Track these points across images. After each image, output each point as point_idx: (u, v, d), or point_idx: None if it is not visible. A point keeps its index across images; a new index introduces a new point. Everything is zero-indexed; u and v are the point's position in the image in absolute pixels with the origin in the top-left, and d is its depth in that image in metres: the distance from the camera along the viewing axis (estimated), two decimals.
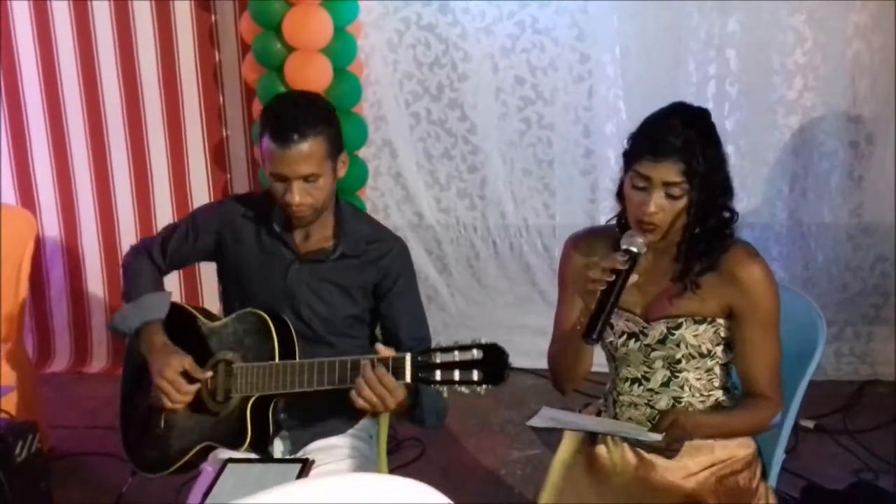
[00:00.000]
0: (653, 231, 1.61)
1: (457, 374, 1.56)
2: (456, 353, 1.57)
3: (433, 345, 1.92)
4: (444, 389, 1.59)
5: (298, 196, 1.78)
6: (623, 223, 1.70)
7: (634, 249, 1.60)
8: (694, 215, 1.61)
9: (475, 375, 1.56)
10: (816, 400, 2.31)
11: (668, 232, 1.63)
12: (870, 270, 3.50)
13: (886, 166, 3.37)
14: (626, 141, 1.66)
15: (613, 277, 1.56)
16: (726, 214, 1.66)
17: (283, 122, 1.77)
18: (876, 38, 3.29)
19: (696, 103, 1.69)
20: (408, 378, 1.62)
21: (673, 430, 1.62)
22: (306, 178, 1.78)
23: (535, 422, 1.63)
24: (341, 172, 1.87)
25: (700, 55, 3.40)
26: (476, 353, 1.56)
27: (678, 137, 1.56)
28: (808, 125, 3.42)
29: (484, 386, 1.56)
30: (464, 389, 1.57)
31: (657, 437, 1.62)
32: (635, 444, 1.72)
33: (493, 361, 1.56)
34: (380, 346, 1.70)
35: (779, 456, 1.83)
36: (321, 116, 1.81)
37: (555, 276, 3.62)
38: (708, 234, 1.64)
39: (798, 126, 3.42)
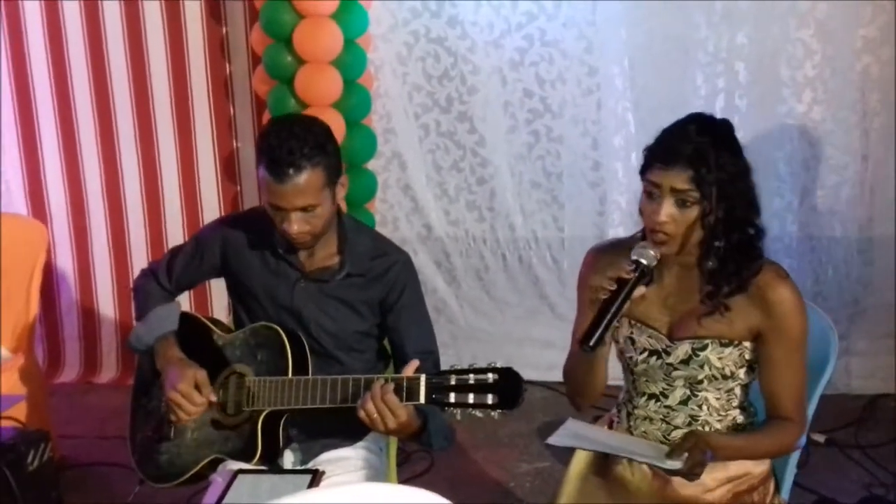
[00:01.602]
0: (665, 242, 1.57)
1: (471, 398, 1.56)
2: (471, 376, 1.56)
3: (441, 358, 1.93)
4: (458, 412, 1.58)
5: (296, 226, 1.77)
6: (644, 238, 1.65)
7: (644, 261, 1.57)
8: (712, 229, 1.56)
9: (490, 399, 1.55)
10: (827, 414, 2.30)
11: (684, 245, 1.59)
12: (880, 284, 3.48)
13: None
14: (643, 152, 1.63)
15: (616, 287, 1.54)
16: (751, 231, 1.60)
17: (278, 156, 1.72)
18: (885, 52, 3.29)
19: None
20: (422, 399, 1.61)
21: (695, 454, 1.56)
22: (304, 209, 1.77)
23: (554, 440, 1.60)
24: (341, 195, 1.85)
25: (708, 68, 3.41)
26: (491, 377, 1.55)
27: (689, 144, 1.54)
28: (817, 138, 3.42)
29: (498, 410, 1.55)
30: (477, 413, 1.57)
31: (677, 464, 1.56)
32: (656, 468, 1.66)
33: (509, 386, 1.55)
34: (408, 368, 1.67)
35: (791, 470, 1.82)
36: (318, 146, 1.75)
37: (563, 288, 3.70)
38: (734, 251, 1.59)
39: (808, 139, 3.42)
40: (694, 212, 1.55)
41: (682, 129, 1.57)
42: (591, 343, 1.52)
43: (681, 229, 1.56)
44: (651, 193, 1.57)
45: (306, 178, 1.73)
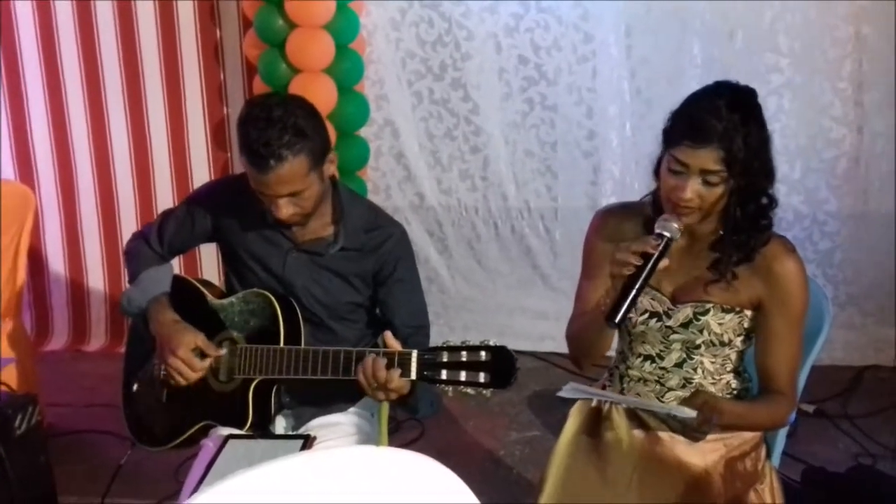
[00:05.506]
0: (688, 214, 1.56)
1: (463, 375, 1.55)
2: (464, 353, 1.55)
3: (432, 328, 1.91)
4: (450, 389, 1.57)
5: (284, 210, 1.74)
6: (656, 202, 1.64)
7: (668, 235, 1.54)
8: (734, 202, 1.55)
9: (482, 378, 1.54)
10: (816, 384, 2.30)
11: (706, 217, 1.58)
12: (873, 257, 3.48)
13: (892, 153, 3.35)
14: (666, 118, 1.59)
15: (642, 261, 1.52)
16: (764, 200, 1.59)
17: (257, 148, 1.66)
18: (881, 20, 3.25)
19: (700, 86, 1.62)
20: (413, 375, 1.59)
21: (706, 410, 1.56)
22: (290, 194, 1.73)
23: (565, 393, 1.60)
24: (330, 171, 1.81)
25: (705, 37, 3.37)
26: (484, 356, 1.54)
27: (720, 122, 1.49)
28: (814, 110, 3.39)
29: (490, 389, 1.54)
30: (469, 391, 1.56)
31: (691, 413, 1.56)
32: (666, 419, 1.67)
33: (501, 365, 1.54)
34: (388, 337, 1.66)
35: (781, 439, 1.83)
36: (298, 132, 1.68)
37: (555, 258, 3.69)
38: (747, 221, 1.58)
39: (805, 111, 3.39)
40: (720, 189, 1.53)
41: (711, 105, 1.52)
42: (618, 319, 1.51)
43: (705, 205, 1.55)
44: (676, 169, 1.53)
45: (288, 168, 1.69)
